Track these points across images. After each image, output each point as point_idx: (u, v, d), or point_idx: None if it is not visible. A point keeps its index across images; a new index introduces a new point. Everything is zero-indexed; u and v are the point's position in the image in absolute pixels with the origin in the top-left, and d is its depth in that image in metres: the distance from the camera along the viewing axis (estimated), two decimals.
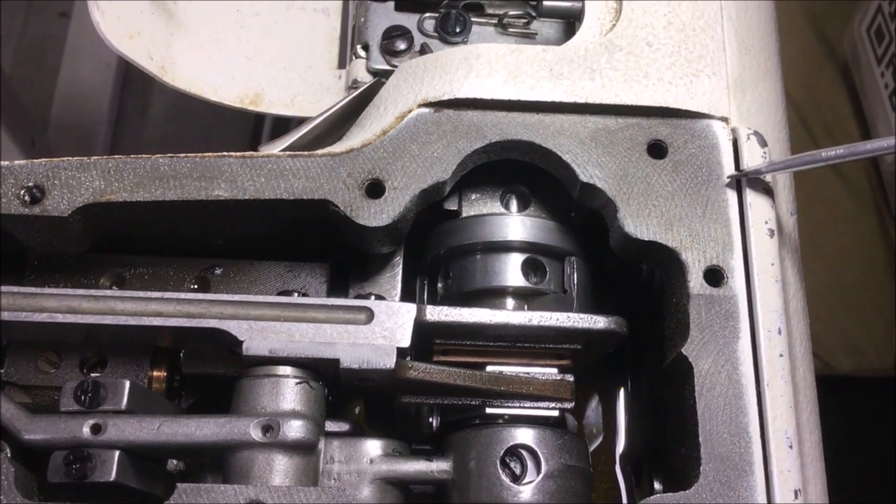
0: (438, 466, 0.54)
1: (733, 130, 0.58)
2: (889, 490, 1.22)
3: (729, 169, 0.57)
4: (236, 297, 0.52)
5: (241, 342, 0.51)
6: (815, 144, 1.30)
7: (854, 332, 1.32)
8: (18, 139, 1.45)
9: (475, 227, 0.60)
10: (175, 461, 0.58)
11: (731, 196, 0.56)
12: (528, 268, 0.59)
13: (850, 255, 1.31)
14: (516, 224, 0.60)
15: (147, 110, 1.74)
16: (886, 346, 1.30)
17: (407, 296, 0.60)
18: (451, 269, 0.60)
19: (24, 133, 1.47)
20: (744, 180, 0.56)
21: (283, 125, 0.68)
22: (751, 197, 0.56)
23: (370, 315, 0.52)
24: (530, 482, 0.52)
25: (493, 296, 0.59)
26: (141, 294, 0.51)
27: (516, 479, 0.53)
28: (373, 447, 0.54)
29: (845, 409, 1.29)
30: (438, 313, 0.55)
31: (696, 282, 0.54)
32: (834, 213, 1.29)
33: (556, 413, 0.56)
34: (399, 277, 0.60)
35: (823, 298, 1.26)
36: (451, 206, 0.61)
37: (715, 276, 0.55)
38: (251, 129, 1.54)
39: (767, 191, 0.56)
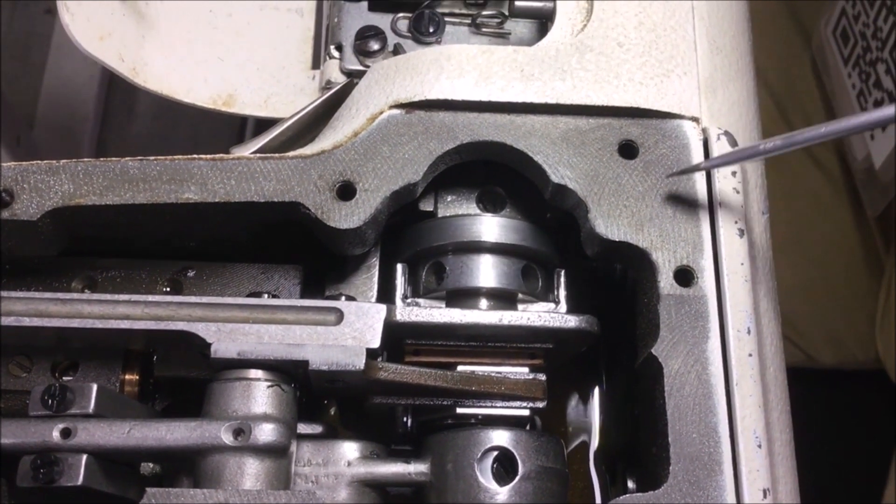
0: (416, 468, 0.54)
1: (704, 130, 0.58)
2: (870, 482, 1.23)
3: None
4: (205, 300, 0.52)
5: (210, 344, 0.51)
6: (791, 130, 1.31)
7: (836, 324, 1.32)
8: (3, 137, 1.44)
9: (477, 225, 0.59)
10: (151, 465, 0.58)
11: (702, 196, 0.57)
12: (524, 274, 0.59)
13: (832, 248, 1.31)
14: (522, 229, 0.60)
15: (134, 107, 1.73)
16: (868, 338, 1.30)
17: (385, 297, 0.60)
18: (447, 265, 0.59)
19: (9, 131, 1.47)
20: (713, 176, 0.56)
21: (267, 123, 0.67)
22: (721, 197, 0.56)
23: (340, 316, 0.52)
24: (507, 484, 0.53)
25: (483, 297, 0.59)
26: (109, 297, 0.51)
27: (493, 480, 0.53)
28: (350, 449, 0.54)
29: (828, 401, 1.30)
30: (409, 313, 0.55)
31: (666, 282, 0.54)
32: (815, 206, 1.30)
33: (527, 413, 0.56)
34: (375, 279, 0.60)
35: (805, 291, 1.27)
36: (427, 206, 0.61)
37: (685, 276, 0.55)
38: (239, 125, 1.53)
39: (738, 191, 0.57)
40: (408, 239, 0.61)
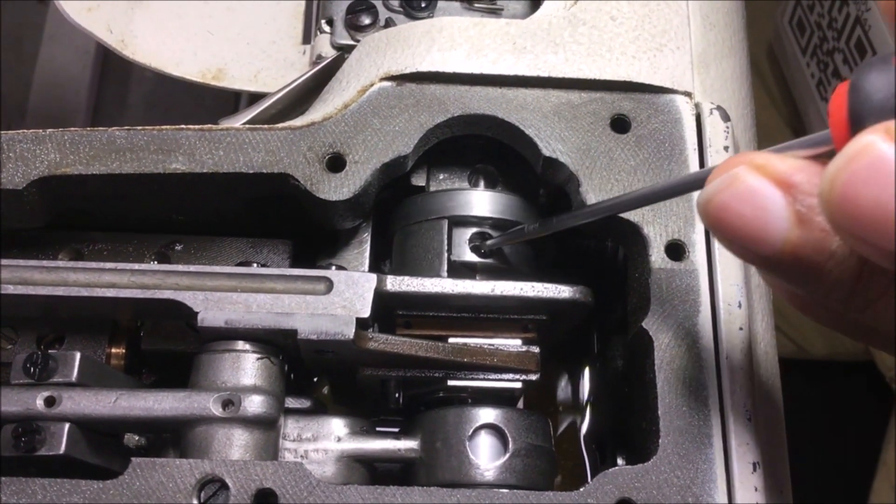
0: (406, 445, 0.54)
1: (696, 105, 0.58)
2: (860, 472, 1.24)
3: (692, 144, 0.57)
4: (192, 269, 0.51)
5: (197, 313, 0.50)
6: (777, 112, 1.31)
7: None
8: None
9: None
10: (137, 436, 0.57)
11: (694, 170, 0.56)
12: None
13: None
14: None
15: (126, 98, 1.72)
16: None
17: (377, 271, 0.59)
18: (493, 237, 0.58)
19: (0, 121, 1.45)
20: (706, 151, 0.56)
21: (257, 100, 0.66)
22: None
23: (329, 285, 0.52)
24: (497, 461, 0.52)
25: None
26: (95, 265, 0.51)
27: (483, 457, 0.52)
28: (340, 425, 0.54)
29: (818, 392, 1.30)
30: (399, 283, 0.54)
31: (657, 256, 0.54)
32: None
33: (519, 385, 0.56)
34: (367, 253, 0.60)
35: None
36: (419, 181, 0.61)
37: (676, 250, 0.54)
38: (231, 114, 1.52)
39: None
40: (465, 201, 0.59)
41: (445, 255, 0.57)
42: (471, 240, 0.58)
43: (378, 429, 0.56)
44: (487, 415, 0.53)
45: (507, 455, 0.53)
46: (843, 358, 1.36)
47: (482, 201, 0.59)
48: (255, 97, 0.65)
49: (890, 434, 1.22)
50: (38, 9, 1.70)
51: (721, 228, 0.40)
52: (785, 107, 1.30)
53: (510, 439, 0.53)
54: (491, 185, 0.61)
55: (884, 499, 1.20)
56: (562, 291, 0.55)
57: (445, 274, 0.56)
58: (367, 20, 0.63)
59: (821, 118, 1.17)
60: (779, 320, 1.35)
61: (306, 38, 0.67)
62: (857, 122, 0.35)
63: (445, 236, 0.58)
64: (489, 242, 0.58)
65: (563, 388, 0.68)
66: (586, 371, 0.68)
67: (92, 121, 1.68)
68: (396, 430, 0.57)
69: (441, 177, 0.62)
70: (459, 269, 0.58)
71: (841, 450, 1.33)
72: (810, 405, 1.28)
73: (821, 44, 1.14)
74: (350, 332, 0.51)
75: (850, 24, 1.06)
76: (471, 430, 0.53)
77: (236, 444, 0.50)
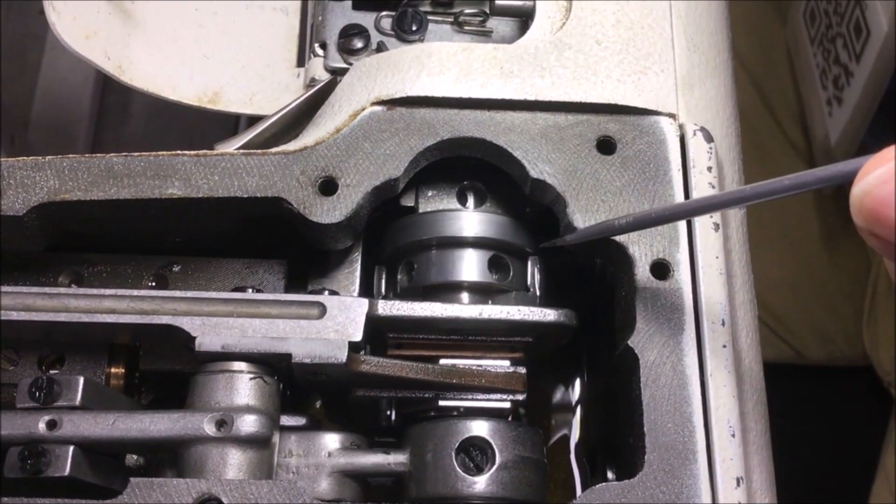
0: (396, 459, 0.55)
1: (680, 126, 0.59)
2: (858, 477, 1.24)
3: (676, 165, 0.58)
4: (190, 294, 0.52)
5: (195, 338, 0.52)
6: (774, 120, 1.32)
7: (825, 321, 1.33)
8: None
9: (438, 222, 0.60)
10: (135, 456, 0.58)
11: (678, 191, 0.58)
12: (493, 265, 0.60)
13: (819, 244, 1.32)
14: (482, 220, 0.60)
15: (128, 107, 1.73)
16: (856, 334, 1.31)
17: (367, 291, 0.61)
18: (414, 262, 0.60)
19: (3, 131, 1.47)
20: (689, 172, 0.57)
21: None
22: (696, 192, 0.57)
23: (323, 310, 0.53)
24: (485, 473, 0.53)
25: (456, 290, 0.60)
26: (95, 291, 0.52)
27: (472, 470, 0.53)
28: (331, 440, 0.55)
29: (816, 397, 1.31)
30: (390, 307, 0.55)
31: (642, 275, 0.55)
32: (803, 202, 1.31)
33: (507, 405, 0.57)
34: (358, 273, 0.61)
35: (794, 288, 1.28)
36: (408, 202, 0.62)
37: (661, 269, 0.56)
38: (232, 126, 1.54)
39: (713, 186, 0.58)
40: (382, 240, 0.62)
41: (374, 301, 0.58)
42: (401, 272, 0.60)
43: (372, 443, 0.57)
44: (474, 427, 0.54)
45: (495, 467, 0.54)
46: (842, 363, 1.37)
47: (392, 234, 0.60)
48: (255, 116, 0.67)
49: (889, 438, 1.22)
50: (41, 19, 1.71)
51: (882, 225, 0.36)
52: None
53: (497, 451, 0.54)
54: (480, 202, 0.63)
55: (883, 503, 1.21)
56: (547, 315, 0.56)
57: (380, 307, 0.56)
58: (359, 44, 0.65)
59: (821, 108, 1.16)
60: (775, 325, 1.36)
61: (300, 62, 0.68)
62: None
63: (375, 282, 0.60)
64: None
65: (554, 403, 0.70)
66: (577, 386, 0.69)
67: (94, 130, 1.70)
68: (390, 444, 0.58)
69: (430, 194, 0.63)
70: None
71: (840, 454, 1.33)
72: (809, 410, 1.29)
73: (826, 31, 1.13)
74: (343, 355, 0.52)
75: (851, 6, 1.05)
76: (458, 443, 0.54)
77: (231, 462, 0.51)
